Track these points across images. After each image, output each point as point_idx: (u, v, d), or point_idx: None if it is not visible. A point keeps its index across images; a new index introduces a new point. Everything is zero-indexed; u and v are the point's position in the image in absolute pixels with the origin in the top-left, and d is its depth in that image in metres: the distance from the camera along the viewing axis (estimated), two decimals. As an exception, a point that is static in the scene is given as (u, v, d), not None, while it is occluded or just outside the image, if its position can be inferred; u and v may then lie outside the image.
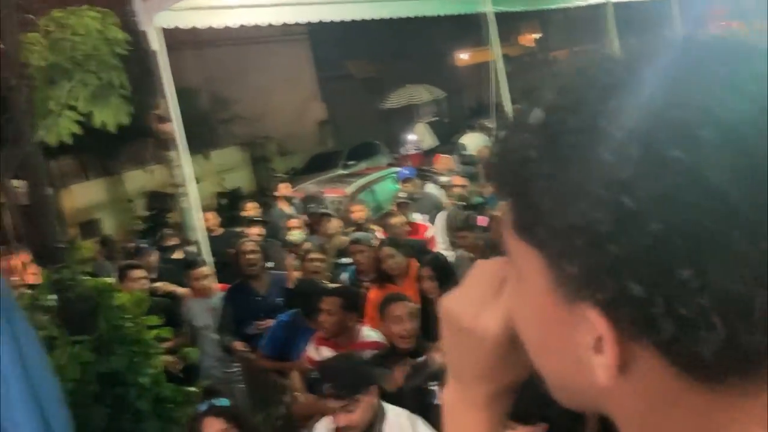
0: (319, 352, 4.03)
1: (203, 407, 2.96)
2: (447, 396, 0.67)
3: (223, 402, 3.05)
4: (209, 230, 7.00)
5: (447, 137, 15.45)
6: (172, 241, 6.94)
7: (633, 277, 0.41)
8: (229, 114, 15.81)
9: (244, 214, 7.69)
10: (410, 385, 3.27)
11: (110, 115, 4.76)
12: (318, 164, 14.90)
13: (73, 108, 4.60)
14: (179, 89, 6.30)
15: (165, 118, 7.11)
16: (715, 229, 0.39)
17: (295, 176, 13.48)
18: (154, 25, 5.79)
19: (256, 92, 16.12)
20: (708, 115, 0.41)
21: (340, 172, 13.31)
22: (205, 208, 7.24)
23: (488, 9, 10.25)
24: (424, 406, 3.15)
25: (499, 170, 0.50)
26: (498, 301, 0.59)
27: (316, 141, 18.93)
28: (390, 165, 12.86)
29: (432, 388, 3.38)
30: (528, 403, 2.46)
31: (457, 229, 5.25)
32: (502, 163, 0.50)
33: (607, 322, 0.44)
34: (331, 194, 9.13)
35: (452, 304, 0.63)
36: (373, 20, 8.81)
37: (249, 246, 5.28)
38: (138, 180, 13.28)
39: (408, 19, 9.47)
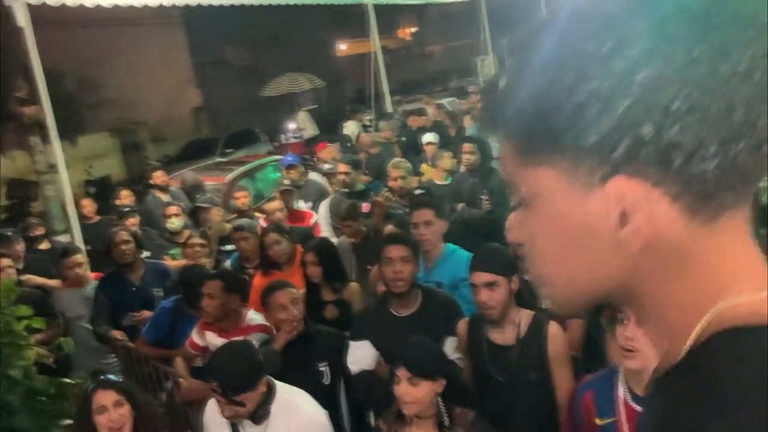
0: (203, 337, 3.99)
1: (93, 385, 2.88)
2: None
3: (112, 377, 3.00)
4: (85, 218, 6.72)
5: (326, 126, 15.47)
6: (38, 231, 6.54)
7: (639, 120, 0.54)
8: (98, 98, 15.06)
9: (117, 202, 7.39)
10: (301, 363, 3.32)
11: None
12: (193, 151, 14.50)
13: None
14: (45, 70, 5.92)
15: (27, 101, 6.69)
16: (678, 66, 0.53)
17: (169, 164, 13.05)
18: (20, 0, 5.45)
19: (127, 76, 15.44)
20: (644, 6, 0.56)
21: (218, 159, 13.01)
22: (73, 197, 6.90)
23: (368, 0, 10.40)
24: (315, 385, 3.22)
25: (496, 112, 0.63)
26: None
27: (190, 128, 18.41)
28: (269, 153, 12.70)
29: (322, 368, 3.44)
30: (431, 362, 2.64)
31: (340, 216, 5.32)
32: (498, 105, 0.62)
33: (628, 179, 0.56)
34: (211, 182, 8.92)
35: None
36: (251, 6, 8.68)
37: (122, 235, 5.09)
38: (-4, 166, 12.37)
39: (288, 7, 9.40)
